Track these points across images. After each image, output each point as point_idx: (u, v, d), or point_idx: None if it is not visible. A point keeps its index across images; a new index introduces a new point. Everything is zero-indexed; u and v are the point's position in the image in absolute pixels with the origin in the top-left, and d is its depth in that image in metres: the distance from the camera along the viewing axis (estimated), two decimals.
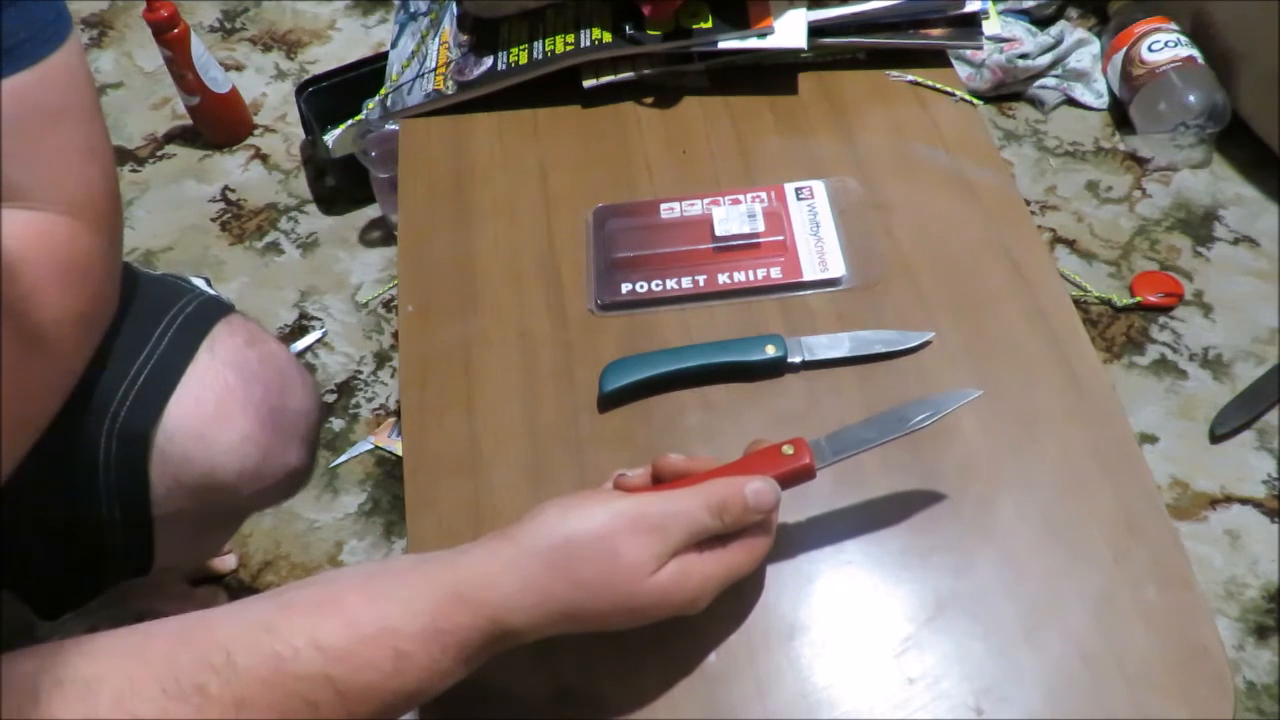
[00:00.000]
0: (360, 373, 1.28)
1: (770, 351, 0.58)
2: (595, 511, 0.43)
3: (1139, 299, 1.26)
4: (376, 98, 0.80)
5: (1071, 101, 1.50)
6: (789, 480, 0.47)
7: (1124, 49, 1.44)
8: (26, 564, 0.65)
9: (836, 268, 0.63)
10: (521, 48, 0.75)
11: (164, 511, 0.64)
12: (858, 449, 0.49)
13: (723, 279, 0.63)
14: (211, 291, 0.70)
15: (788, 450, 0.48)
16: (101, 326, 0.59)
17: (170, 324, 0.64)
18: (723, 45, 0.72)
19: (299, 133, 1.56)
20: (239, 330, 0.67)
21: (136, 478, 0.61)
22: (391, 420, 1.22)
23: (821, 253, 0.64)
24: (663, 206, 0.68)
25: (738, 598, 0.50)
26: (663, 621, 0.45)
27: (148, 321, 0.64)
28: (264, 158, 1.55)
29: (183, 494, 0.63)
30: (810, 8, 0.72)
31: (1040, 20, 1.55)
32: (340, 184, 1.46)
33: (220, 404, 0.63)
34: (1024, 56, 1.46)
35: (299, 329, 1.33)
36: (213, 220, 1.47)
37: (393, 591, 0.41)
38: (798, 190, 0.68)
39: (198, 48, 1.46)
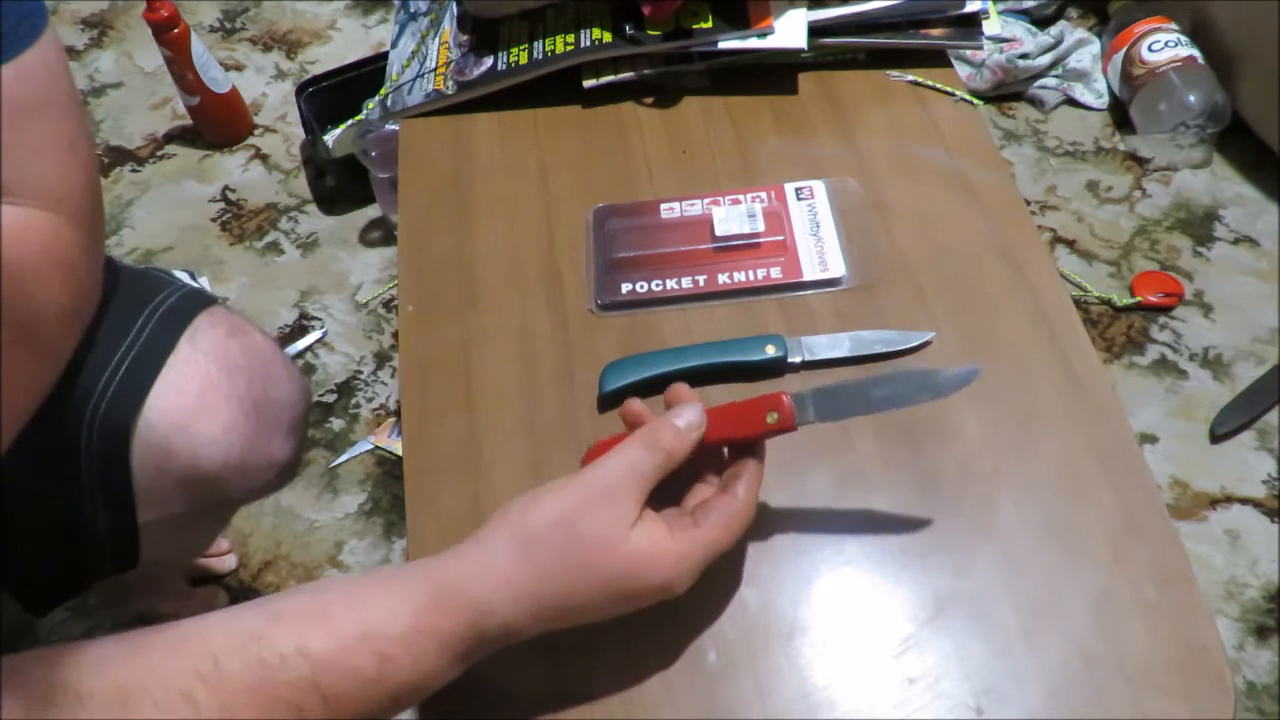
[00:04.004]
0: (360, 373, 1.28)
1: (770, 351, 0.58)
2: (549, 501, 0.44)
3: (1139, 299, 1.26)
4: (376, 98, 0.80)
5: (1071, 101, 1.50)
6: (767, 435, 0.47)
7: (1124, 49, 1.44)
8: (11, 558, 0.65)
9: (836, 268, 0.63)
10: (521, 48, 0.75)
11: (148, 504, 0.64)
12: (842, 417, 0.48)
13: (723, 279, 0.63)
14: (195, 284, 0.70)
15: (772, 417, 0.47)
16: (84, 320, 0.59)
17: (151, 316, 0.64)
18: (723, 45, 0.72)
19: (299, 133, 1.56)
20: (221, 321, 0.67)
21: (118, 470, 0.61)
22: (391, 420, 1.22)
23: (821, 253, 0.64)
24: (663, 206, 0.68)
25: (738, 598, 0.50)
26: (662, 619, 0.45)
27: (128, 314, 0.64)
28: (264, 158, 1.55)
29: (166, 485, 0.63)
30: (810, 8, 0.72)
31: (1040, 20, 1.55)
32: (340, 184, 1.46)
33: (202, 395, 0.63)
34: (1024, 56, 1.46)
35: (299, 329, 1.33)
36: (213, 220, 1.47)
37: (375, 598, 0.42)
38: (798, 190, 0.68)
39: (198, 48, 1.46)
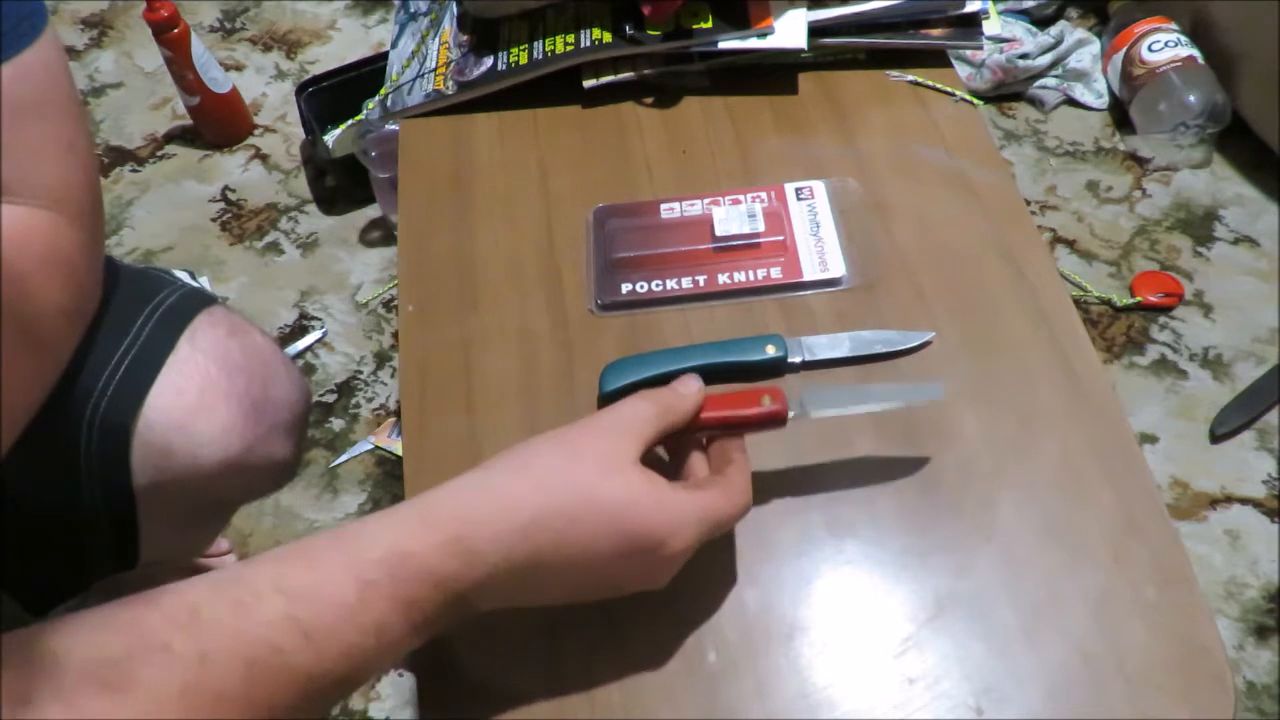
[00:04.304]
0: (360, 373, 1.28)
1: (770, 351, 0.58)
2: (550, 433, 0.44)
3: (1139, 299, 1.26)
4: (376, 98, 0.80)
5: (1071, 101, 1.50)
6: (759, 420, 0.49)
7: (1124, 49, 1.44)
8: (10, 558, 0.65)
9: (836, 268, 0.63)
10: (521, 48, 0.75)
11: (148, 503, 0.64)
12: (829, 407, 0.50)
13: (723, 279, 0.63)
14: (194, 284, 0.70)
15: (765, 400, 0.49)
16: (84, 320, 0.59)
17: (150, 315, 0.64)
18: (723, 45, 0.72)
19: (299, 133, 1.56)
20: (220, 321, 0.67)
21: (118, 469, 0.61)
22: (391, 420, 1.22)
23: (821, 253, 0.64)
24: (663, 206, 0.68)
25: (737, 598, 0.50)
26: (661, 618, 0.45)
27: (128, 313, 0.64)
28: (264, 158, 1.55)
29: (166, 485, 0.63)
30: (810, 8, 0.72)
31: (1040, 20, 1.55)
32: (340, 184, 1.46)
33: (201, 394, 0.63)
34: (1024, 56, 1.46)
35: (299, 329, 1.33)
36: (213, 220, 1.47)
37: (358, 528, 0.41)
38: (798, 190, 0.68)
39: (198, 48, 1.46)
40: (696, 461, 0.48)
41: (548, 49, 0.74)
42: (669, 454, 0.50)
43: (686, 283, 0.63)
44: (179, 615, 0.37)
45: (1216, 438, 1.14)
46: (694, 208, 0.67)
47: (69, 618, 0.38)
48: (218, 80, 1.50)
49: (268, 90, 1.65)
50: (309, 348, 1.31)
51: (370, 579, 0.39)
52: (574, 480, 0.42)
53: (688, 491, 0.44)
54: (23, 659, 0.36)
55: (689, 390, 0.48)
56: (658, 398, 0.47)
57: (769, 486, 0.52)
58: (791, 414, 0.49)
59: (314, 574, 0.39)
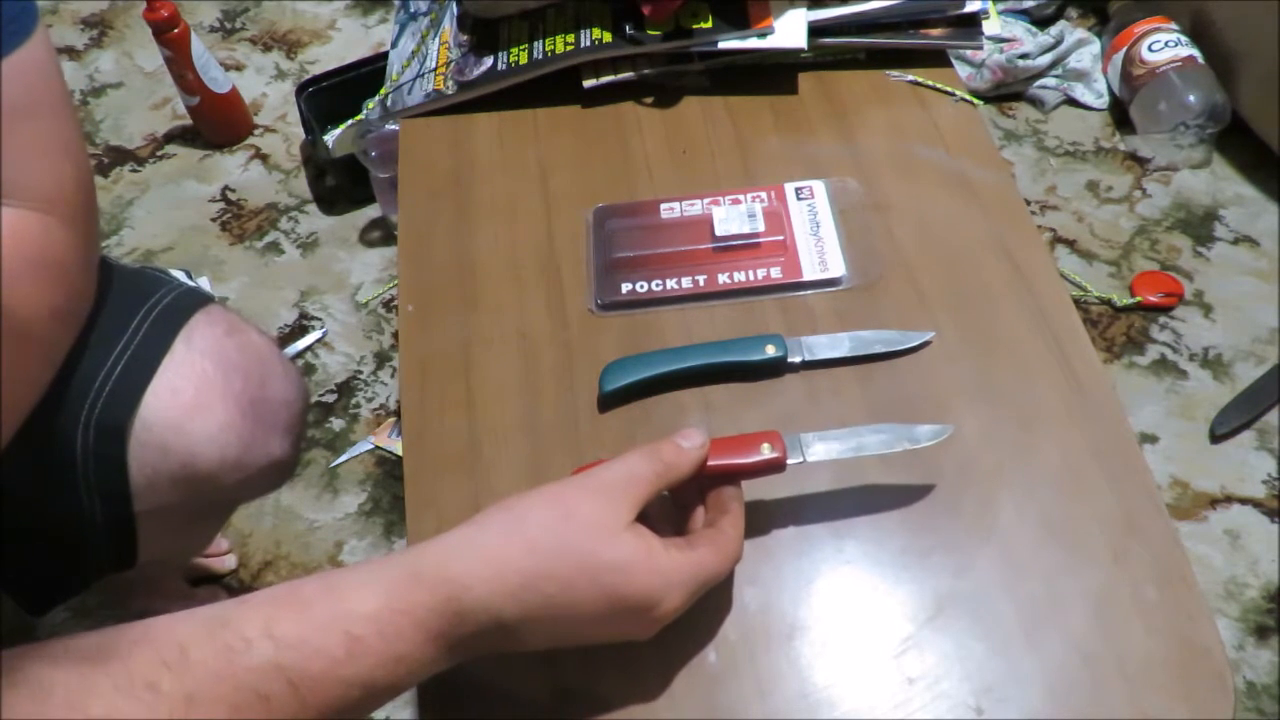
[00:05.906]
0: (360, 373, 1.28)
1: (770, 351, 0.58)
2: (544, 490, 0.44)
3: (1139, 299, 1.26)
4: (376, 98, 0.80)
5: (1071, 101, 1.50)
6: (759, 469, 0.48)
7: (1124, 49, 1.44)
8: (8, 559, 0.65)
9: (836, 268, 0.63)
10: (521, 48, 0.75)
11: (145, 503, 0.64)
12: (831, 456, 0.50)
13: (723, 279, 0.63)
14: (191, 283, 0.70)
15: (765, 449, 0.48)
16: (78, 321, 0.59)
17: (147, 315, 0.64)
18: (723, 45, 0.72)
19: (299, 133, 1.56)
20: (218, 320, 0.67)
21: (115, 470, 0.61)
22: (391, 420, 1.22)
23: (821, 253, 0.64)
24: (663, 206, 0.68)
25: (738, 598, 0.50)
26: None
27: (124, 313, 0.64)
28: (264, 158, 1.55)
29: (163, 485, 0.63)
30: (810, 8, 0.72)
31: (1040, 20, 1.55)
32: (340, 184, 1.46)
33: (198, 394, 0.63)
34: (1024, 56, 1.46)
35: (299, 329, 1.33)
36: (213, 220, 1.47)
37: (350, 579, 0.41)
38: (798, 190, 0.68)
39: (198, 48, 1.46)
40: (697, 514, 0.48)
41: (548, 49, 0.74)
42: (670, 493, 0.50)
43: (686, 282, 0.63)
44: (168, 654, 0.37)
45: (1216, 438, 1.14)
46: (694, 208, 0.67)
47: (56, 643, 0.38)
48: (218, 80, 1.50)
49: (268, 90, 1.65)
50: (309, 348, 1.31)
51: (359, 634, 0.39)
52: (567, 543, 0.41)
53: (680, 552, 0.44)
54: (7, 686, 0.36)
55: (691, 445, 0.47)
56: (658, 456, 0.45)
57: (770, 486, 0.52)
58: (791, 461, 0.49)
59: (304, 624, 0.39)
